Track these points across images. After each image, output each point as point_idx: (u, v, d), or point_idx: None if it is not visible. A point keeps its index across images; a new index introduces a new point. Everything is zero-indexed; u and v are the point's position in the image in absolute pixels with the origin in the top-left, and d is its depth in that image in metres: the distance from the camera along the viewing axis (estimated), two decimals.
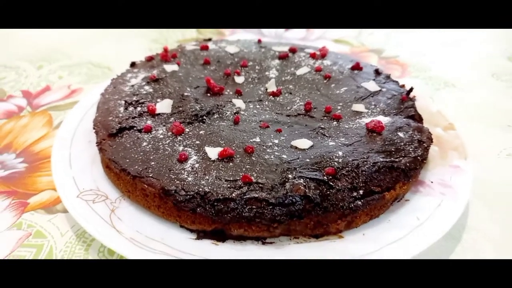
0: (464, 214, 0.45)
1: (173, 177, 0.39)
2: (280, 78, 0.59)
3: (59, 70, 0.75)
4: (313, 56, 0.63)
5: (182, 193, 0.37)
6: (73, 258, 0.39)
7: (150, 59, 0.61)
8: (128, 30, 0.90)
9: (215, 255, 0.36)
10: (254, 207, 0.36)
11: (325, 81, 0.57)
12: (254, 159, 0.41)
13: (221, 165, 0.40)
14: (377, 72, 0.59)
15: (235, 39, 0.70)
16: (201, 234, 0.38)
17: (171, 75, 0.55)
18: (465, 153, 0.49)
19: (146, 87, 0.52)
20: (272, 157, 0.41)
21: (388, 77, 0.59)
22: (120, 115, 0.47)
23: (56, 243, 0.40)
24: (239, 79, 0.58)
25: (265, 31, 0.94)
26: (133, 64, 0.60)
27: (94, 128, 0.47)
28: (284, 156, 0.41)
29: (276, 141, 0.44)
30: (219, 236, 0.38)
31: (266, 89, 0.56)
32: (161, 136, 0.44)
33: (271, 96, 0.54)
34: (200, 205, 0.37)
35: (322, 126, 0.47)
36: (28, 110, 0.63)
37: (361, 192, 0.39)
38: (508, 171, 0.54)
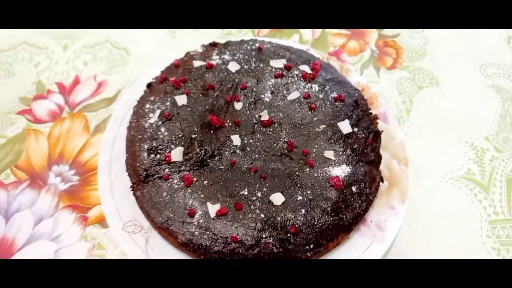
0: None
1: (185, 230, 0.57)
2: (273, 102, 0.70)
3: (83, 53, 0.84)
4: (304, 77, 0.72)
5: (191, 245, 0.57)
6: None
7: (163, 80, 0.71)
8: None
9: None
10: (238, 258, 0.56)
11: (309, 113, 0.68)
12: (241, 216, 0.58)
13: (218, 221, 0.58)
14: (356, 104, 0.69)
15: (238, 40, 0.77)
16: None
17: (181, 110, 0.67)
18: (405, 195, 0.65)
19: (162, 129, 0.65)
20: (253, 215, 0.58)
21: (364, 110, 0.69)
22: (145, 161, 0.62)
23: (111, 254, 0.62)
24: (238, 106, 0.69)
25: None
26: (149, 85, 0.71)
27: (127, 171, 0.63)
28: (262, 215, 0.58)
29: (259, 195, 0.60)
30: None
31: (260, 117, 0.68)
32: (176, 187, 0.60)
33: (262, 127, 0.67)
34: (203, 254, 0.56)
35: (297, 173, 0.62)
36: (67, 111, 0.77)
37: (311, 246, 0.57)
38: (444, 197, 0.69)
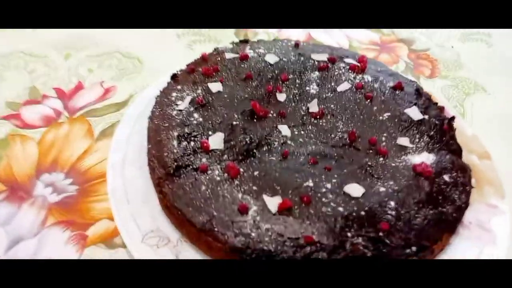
0: None
1: (237, 232, 0.41)
2: (321, 94, 0.59)
3: (87, 61, 0.73)
4: (353, 68, 0.62)
5: (249, 252, 0.40)
6: None
7: (191, 70, 0.59)
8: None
9: None
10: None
11: (367, 102, 0.57)
12: (312, 211, 0.43)
13: (281, 218, 0.42)
14: (419, 93, 0.59)
15: (271, 39, 0.68)
16: None
17: (217, 97, 0.55)
18: (502, 191, 0.51)
19: (195, 115, 0.52)
20: (329, 209, 0.43)
21: (429, 99, 0.59)
22: (175, 150, 0.48)
23: None
24: (281, 97, 0.57)
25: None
26: (174, 77, 0.59)
27: (149, 164, 0.48)
28: (340, 209, 0.43)
29: (329, 186, 0.45)
30: None
31: (308, 109, 0.56)
32: (218, 179, 0.45)
33: (313, 119, 0.55)
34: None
35: (369, 163, 0.49)
36: (66, 116, 0.62)
37: (414, 248, 0.42)
38: None
